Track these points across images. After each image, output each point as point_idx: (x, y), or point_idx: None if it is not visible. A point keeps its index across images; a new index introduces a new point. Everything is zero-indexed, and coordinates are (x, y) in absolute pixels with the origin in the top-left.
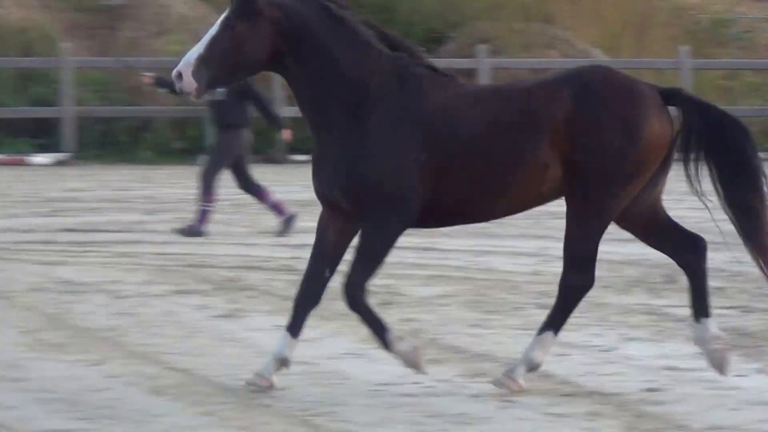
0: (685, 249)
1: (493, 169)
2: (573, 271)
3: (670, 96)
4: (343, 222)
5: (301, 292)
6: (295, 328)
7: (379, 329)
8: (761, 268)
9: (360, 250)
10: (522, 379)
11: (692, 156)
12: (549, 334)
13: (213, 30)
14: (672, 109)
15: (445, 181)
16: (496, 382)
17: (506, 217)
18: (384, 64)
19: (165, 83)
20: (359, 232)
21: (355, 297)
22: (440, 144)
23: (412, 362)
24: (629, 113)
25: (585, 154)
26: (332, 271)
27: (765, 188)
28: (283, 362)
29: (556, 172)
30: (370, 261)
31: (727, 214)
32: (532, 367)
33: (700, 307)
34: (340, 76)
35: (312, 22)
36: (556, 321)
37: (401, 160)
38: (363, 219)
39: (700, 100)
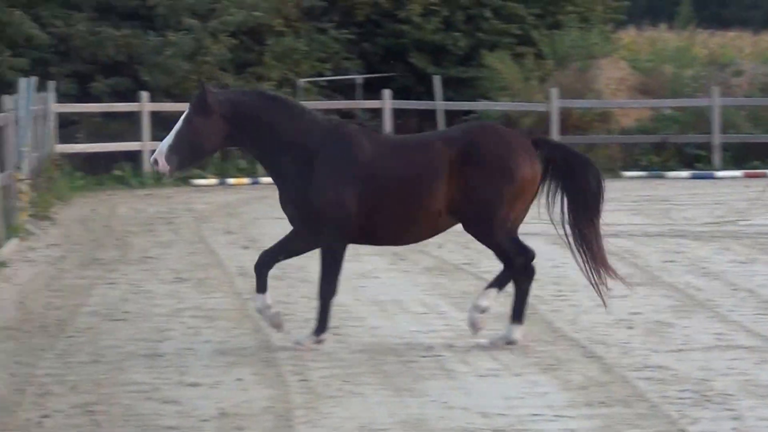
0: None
1: (406, 204)
2: (510, 263)
3: (538, 142)
4: None
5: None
6: None
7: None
8: (586, 271)
9: (323, 268)
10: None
11: (550, 186)
12: (518, 324)
13: (178, 124)
14: None
15: (370, 211)
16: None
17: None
18: (318, 124)
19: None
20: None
21: (325, 303)
22: (367, 184)
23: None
24: (506, 160)
25: (474, 191)
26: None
27: (601, 206)
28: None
29: (451, 208)
30: (328, 271)
31: (571, 230)
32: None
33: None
34: (283, 140)
35: (254, 107)
36: (521, 312)
37: (338, 196)
38: (313, 236)
39: (558, 143)
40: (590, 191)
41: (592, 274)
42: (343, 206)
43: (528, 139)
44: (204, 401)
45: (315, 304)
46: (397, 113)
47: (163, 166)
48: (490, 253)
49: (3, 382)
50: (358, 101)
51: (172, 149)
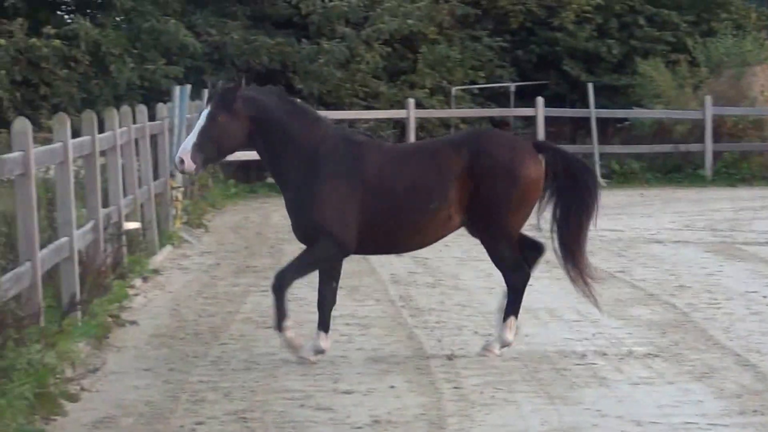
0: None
1: (413, 213)
2: (510, 273)
3: (539, 147)
4: None
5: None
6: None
7: (280, 315)
8: (568, 271)
9: (300, 258)
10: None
11: (547, 189)
12: (512, 318)
13: (201, 122)
14: None
15: (374, 222)
16: (480, 353)
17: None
18: (331, 133)
19: None
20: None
21: (279, 285)
22: (375, 194)
23: (292, 347)
24: (511, 164)
25: (483, 196)
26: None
27: (596, 212)
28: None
29: (459, 213)
30: (301, 269)
31: (562, 233)
32: (505, 344)
33: None
34: (296, 145)
35: (274, 108)
36: (515, 309)
37: (343, 206)
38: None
39: (558, 148)
40: (589, 196)
41: (576, 277)
42: (341, 220)
43: (530, 143)
44: (357, 408)
45: (469, 312)
46: (550, 121)
47: (189, 165)
48: (643, 260)
49: (157, 390)
50: (511, 109)
51: (197, 147)
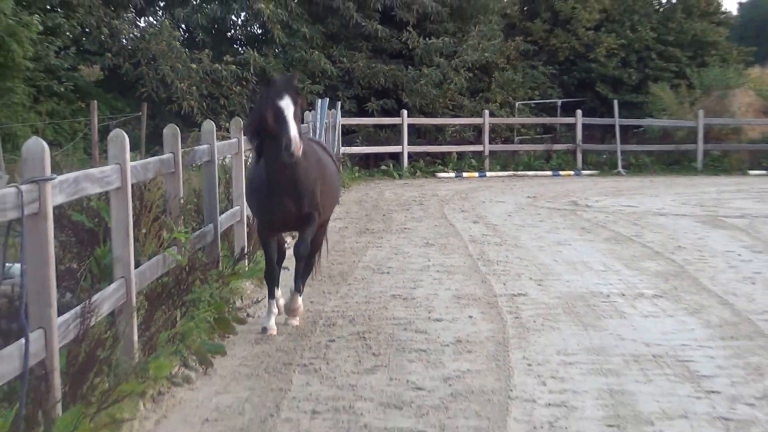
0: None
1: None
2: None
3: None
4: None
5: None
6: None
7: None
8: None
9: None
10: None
11: None
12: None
13: (293, 114)
14: None
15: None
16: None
17: None
18: None
19: None
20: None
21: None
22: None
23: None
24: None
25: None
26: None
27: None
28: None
29: None
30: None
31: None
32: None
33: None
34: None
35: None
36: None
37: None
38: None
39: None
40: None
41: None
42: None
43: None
44: (445, 332)
45: (526, 263)
46: (586, 128)
47: (299, 151)
48: (651, 228)
49: (302, 317)
50: (558, 118)
51: (300, 136)
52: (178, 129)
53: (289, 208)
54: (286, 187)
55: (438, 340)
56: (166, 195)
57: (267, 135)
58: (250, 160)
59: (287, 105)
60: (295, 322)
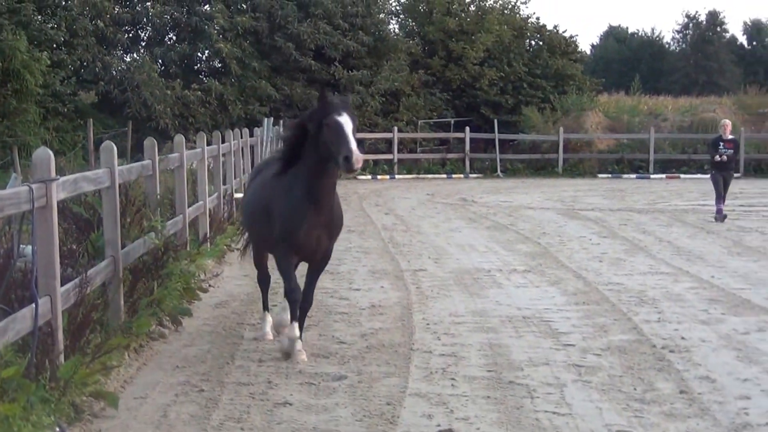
0: None
1: None
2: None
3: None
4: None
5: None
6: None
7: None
8: None
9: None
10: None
11: None
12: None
13: (349, 127)
14: None
15: None
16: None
17: None
18: None
19: None
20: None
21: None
22: None
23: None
24: None
25: None
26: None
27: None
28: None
29: None
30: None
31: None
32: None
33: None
34: None
35: None
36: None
37: None
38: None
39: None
40: None
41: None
42: None
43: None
44: (362, 299)
45: (426, 246)
46: (473, 140)
47: (359, 164)
48: (523, 218)
49: (251, 286)
50: (451, 133)
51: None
52: (155, 141)
53: (318, 233)
54: (321, 210)
55: (357, 305)
56: (146, 192)
57: (320, 152)
58: (212, 165)
59: (346, 121)
60: (303, 357)
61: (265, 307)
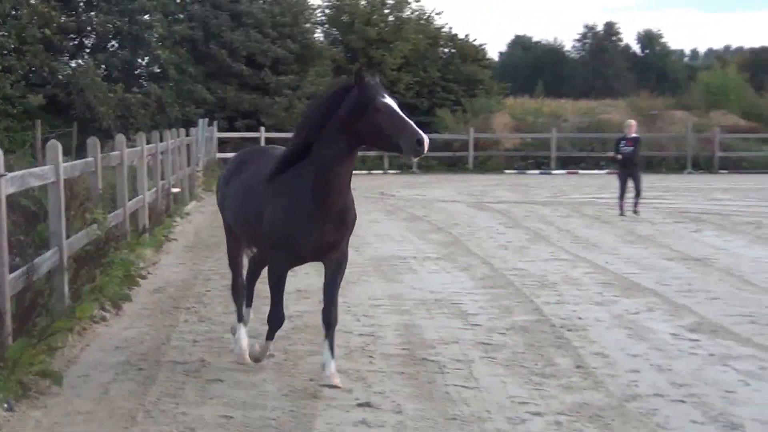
0: None
1: None
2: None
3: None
4: None
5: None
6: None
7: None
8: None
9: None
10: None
11: None
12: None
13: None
14: None
15: None
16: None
17: None
18: None
19: None
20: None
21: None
22: None
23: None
24: None
25: None
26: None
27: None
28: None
29: None
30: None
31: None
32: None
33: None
34: None
35: None
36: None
37: None
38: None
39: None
40: None
41: None
42: None
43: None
44: (289, 284)
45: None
46: None
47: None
48: (436, 210)
49: (187, 273)
50: None
51: None
52: (98, 140)
53: (328, 230)
54: (334, 205)
55: (285, 290)
56: (89, 187)
57: (360, 138)
58: (151, 162)
59: (393, 103)
60: (337, 381)
61: (240, 319)
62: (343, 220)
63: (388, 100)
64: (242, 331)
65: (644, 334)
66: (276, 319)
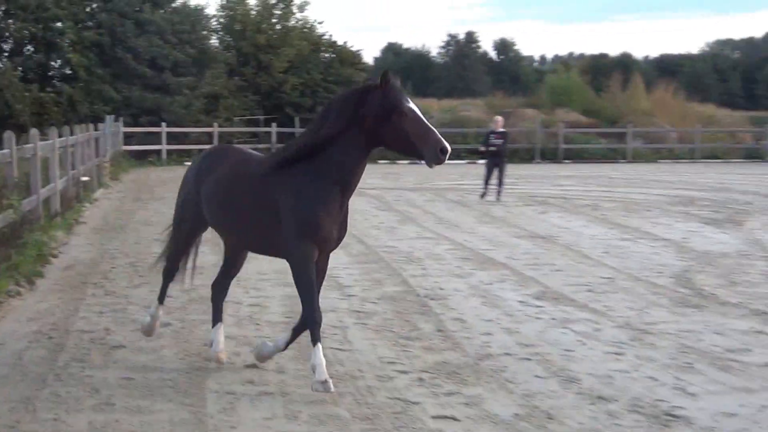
0: None
1: None
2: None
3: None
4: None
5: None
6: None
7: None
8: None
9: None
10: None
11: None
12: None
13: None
14: None
15: None
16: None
17: None
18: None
19: None
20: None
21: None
22: None
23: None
24: None
25: None
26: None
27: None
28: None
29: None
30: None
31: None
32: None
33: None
34: None
35: None
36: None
37: None
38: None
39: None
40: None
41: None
42: None
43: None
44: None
45: None
46: (278, 134)
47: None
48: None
49: (94, 253)
50: (261, 128)
51: None
52: (14, 134)
53: (338, 226)
54: (346, 201)
55: (245, 276)
56: (5, 176)
57: (383, 141)
58: (62, 154)
59: (417, 108)
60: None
61: (161, 300)
62: (346, 219)
63: (413, 106)
64: (159, 312)
65: (496, 301)
66: (313, 319)
